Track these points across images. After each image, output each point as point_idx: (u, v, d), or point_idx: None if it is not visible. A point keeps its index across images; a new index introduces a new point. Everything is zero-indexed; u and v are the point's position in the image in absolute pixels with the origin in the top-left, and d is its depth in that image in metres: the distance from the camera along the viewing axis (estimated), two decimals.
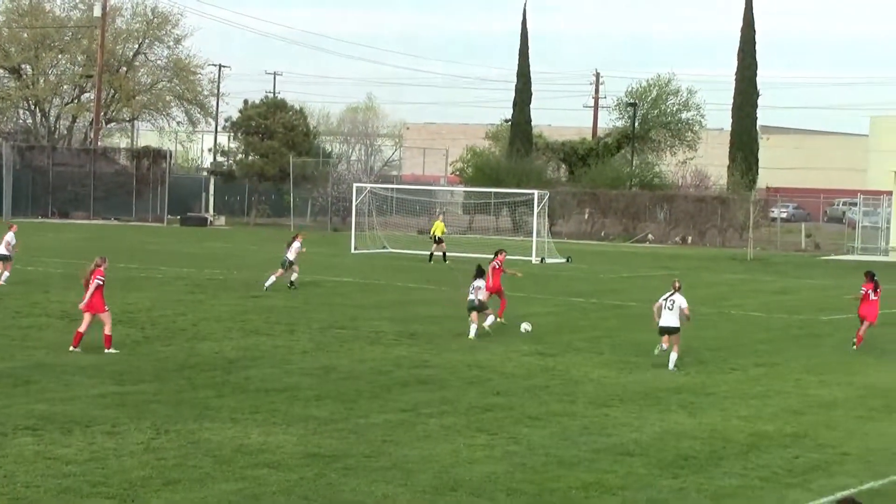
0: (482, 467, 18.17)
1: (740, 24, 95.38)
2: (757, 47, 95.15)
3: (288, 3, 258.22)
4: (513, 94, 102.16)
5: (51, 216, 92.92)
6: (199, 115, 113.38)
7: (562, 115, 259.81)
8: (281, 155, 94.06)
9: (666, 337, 28.12)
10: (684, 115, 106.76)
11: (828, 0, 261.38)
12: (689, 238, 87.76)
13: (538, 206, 66.50)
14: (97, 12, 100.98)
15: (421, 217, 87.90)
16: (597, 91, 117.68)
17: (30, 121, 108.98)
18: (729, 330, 35.95)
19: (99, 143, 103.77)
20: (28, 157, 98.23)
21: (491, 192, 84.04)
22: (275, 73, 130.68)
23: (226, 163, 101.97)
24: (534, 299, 39.51)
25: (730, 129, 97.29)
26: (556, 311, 38.19)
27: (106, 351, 27.02)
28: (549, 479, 17.65)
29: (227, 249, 64.37)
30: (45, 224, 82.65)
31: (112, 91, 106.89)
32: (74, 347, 27.22)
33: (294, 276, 42.34)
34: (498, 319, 33.13)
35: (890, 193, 78.05)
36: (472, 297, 31.82)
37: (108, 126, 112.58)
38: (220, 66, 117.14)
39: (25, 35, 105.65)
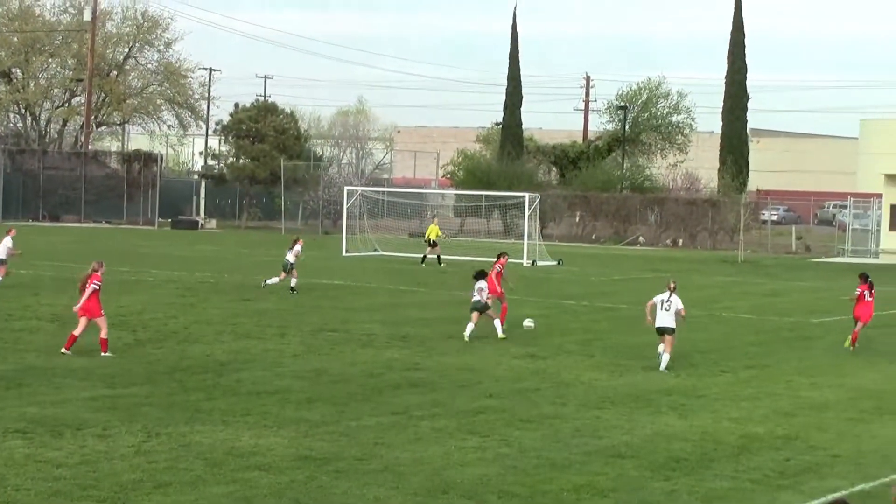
0: (474, 470, 18.17)
1: (730, 27, 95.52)
2: (747, 51, 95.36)
3: (278, 7, 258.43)
4: (503, 97, 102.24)
5: (41, 219, 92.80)
6: (189, 119, 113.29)
7: (552, 119, 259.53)
8: (272, 158, 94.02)
9: (662, 337, 28.17)
10: (675, 119, 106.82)
11: (818, 3, 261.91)
12: (680, 241, 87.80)
13: (529, 208, 66.52)
14: (87, 16, 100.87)
15: (412, 220, 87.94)
16: (587, 94, 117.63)
17: (20, 124, 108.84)
18: (720, 332, 35.98)
19: (89, 147, 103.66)
20: (19, 161, 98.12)
21: (482, 195, 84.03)
22: (265, 77, 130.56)
23: (217, 166, 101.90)
24: (525, 302, 39.49)
25: (720, 132, 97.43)
26: (547, 313, 38.19)
27: (102, 354, 26.98)
28: (540, 482, 17.65)
29: (218, 253, 64.32)
30: (35, 227, 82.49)
31: (102, 95, 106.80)
32: (66, 350, 27.18)
33: (293, 282, 42.40)
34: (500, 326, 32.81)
35: (880, 196, 78.18)
36: (477, 297, 31.86)
37: (99, 130, 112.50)
38: (211, 69, 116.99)
39: (15, 39, 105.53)
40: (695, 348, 31.29)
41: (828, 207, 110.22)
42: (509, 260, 36.12)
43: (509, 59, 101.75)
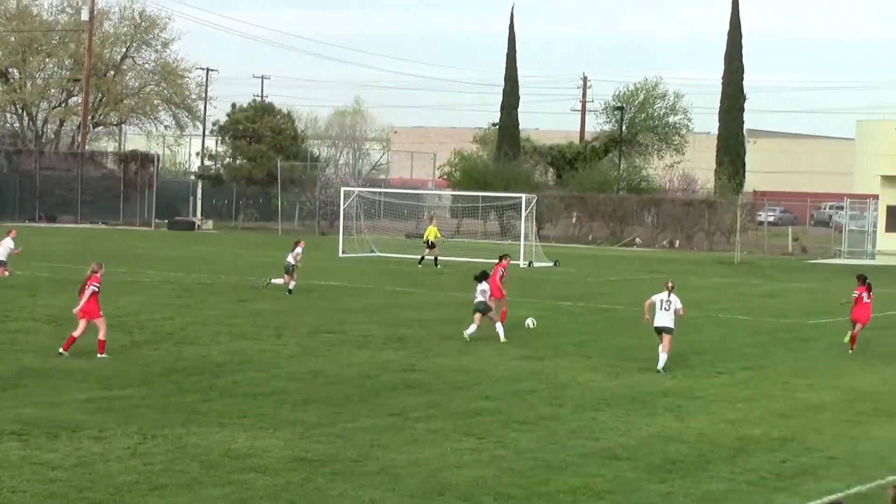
0: (470, 471, 18.17)
1: (727, 28, 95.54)
2: (744, 51, 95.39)
3: (276, 7, 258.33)
4: (500, 97, 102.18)
5: (38, 220, 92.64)
6: (186, 119, 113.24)
7: (549, 119, 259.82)
8: (269, 159, 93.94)
9: (661, 336, 28.25)
10: (671, 119, 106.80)
11: (814, 4, 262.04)
12: (677, 242, 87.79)
13: (526, 209, 66.52)
14: (85, 16, 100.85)
15: (409, 221, 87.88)
16: (584, 95, 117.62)
17: (17, 125, 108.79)
18: (716, 333, 35.99)
19: (86, 147, 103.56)
20: (15, 161, 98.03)
21: (479, 196, 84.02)
22: (262, 77, 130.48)
23: (213, 167, 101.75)
24: (521, 303, 39.46)
25: (717, 132, 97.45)
26: (544, 314, 38.16)
27: (98, 356, 26.97)
28: (536, 484, 17.65)
29: (215, 253, 64.28)
30: (32, 228, 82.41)
31: (100, 95, 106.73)
32: (64, 351, 27.18)
33: (292, 284, 42.41)
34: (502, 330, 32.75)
35: (876, 197, 78.13)
36: (480, 299, 31.90)
37: (96, 130, 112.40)
38: (208, 69, 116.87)
39: (13, 39, 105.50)
40: (691, 350, 31.29)
41: (824, 208, 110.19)
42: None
43: (506, 59, 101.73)
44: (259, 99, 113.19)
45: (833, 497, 17.19)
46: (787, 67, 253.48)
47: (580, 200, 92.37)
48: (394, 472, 17.91)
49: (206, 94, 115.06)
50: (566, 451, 19.64)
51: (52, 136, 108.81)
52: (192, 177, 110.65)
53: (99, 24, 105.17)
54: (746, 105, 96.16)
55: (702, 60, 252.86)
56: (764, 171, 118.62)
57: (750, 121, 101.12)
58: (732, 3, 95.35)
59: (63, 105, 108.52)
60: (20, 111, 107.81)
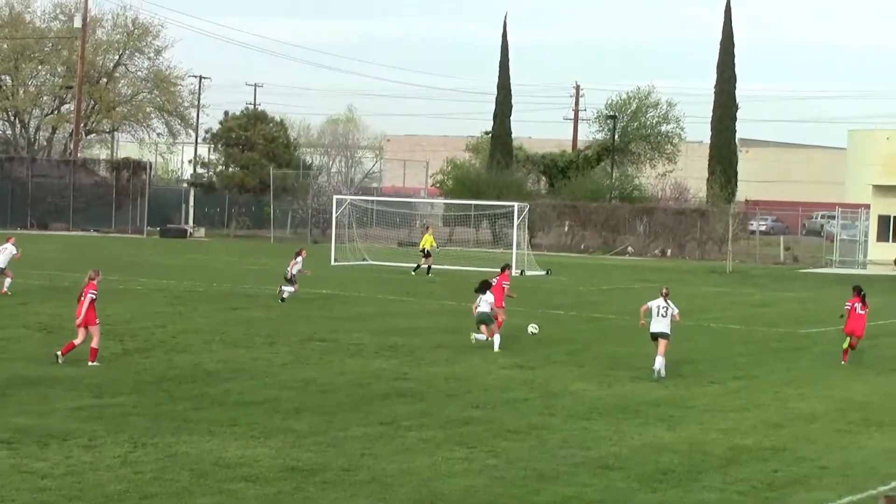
0: (461, 481, 18.12)
1: (720, 37, 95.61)
2: (736, 60, 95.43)
3: (269, 15, 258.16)
4: (493, 105, 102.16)
5: (30, 227, 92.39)
6: (179, 127, 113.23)
7: (542, 128, 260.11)
8: (261, 166, 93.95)
9: (657, 342, 28.28)
10: (664, 128, 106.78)
11: (807, 14, 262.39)
12: (669, 251, 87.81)
13: (518, 218, 66.46)
14: (77, 23, 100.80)
15: (401, 229, 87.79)
16: (577, 103, 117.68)
17: (9, 132, 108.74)
18: (708, 343, 35.97)
19: (79, 155, 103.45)
20: (7, 169, 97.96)
21: (471, 205, 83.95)
22: (255, 85, 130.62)
23: (206, 174, 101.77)
24: (513, 312, 39.38)
25: (709, 141, 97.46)
26: (536, 323, 38.08)
27: (89, 364, 26.91)
28: (528, 493, 17.62)
29: (207, 261, 64.21)
30: (24, 236, 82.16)
31: (92, 102, 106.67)
32: (62, 356, 27.11)
33: (286, 294, 42.36)
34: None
35: (868, 207, 78.22)
36: (485, 310, 31.95)
37: (88, 137, 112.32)
38: (201, 77, 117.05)
39: (5, 46, 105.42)
40: (683, 359, 31.25)
41: (816, 218, 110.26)
42: (489, 269, 36.16)
43: (499, 67, 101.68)
44: (252, 107, 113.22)
45: None
46: (780, 77, 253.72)
47: (572, 209, 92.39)
48: (385, 482, 17.86)
49: (198, 102, 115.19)
50: (557, 461, 19.59)
51: (45, 143, 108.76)
52: (185, 184, 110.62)
53: (92, 32, 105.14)
54: (739, 114, 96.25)
55: (694, 69, 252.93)
56: (756, 180, 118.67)
57: (742, 130, 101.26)
58: (725, 12, 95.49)
59: (55, 112, 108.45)
60: (12, 118, 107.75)
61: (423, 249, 60.19)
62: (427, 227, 68.11)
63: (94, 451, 18.96)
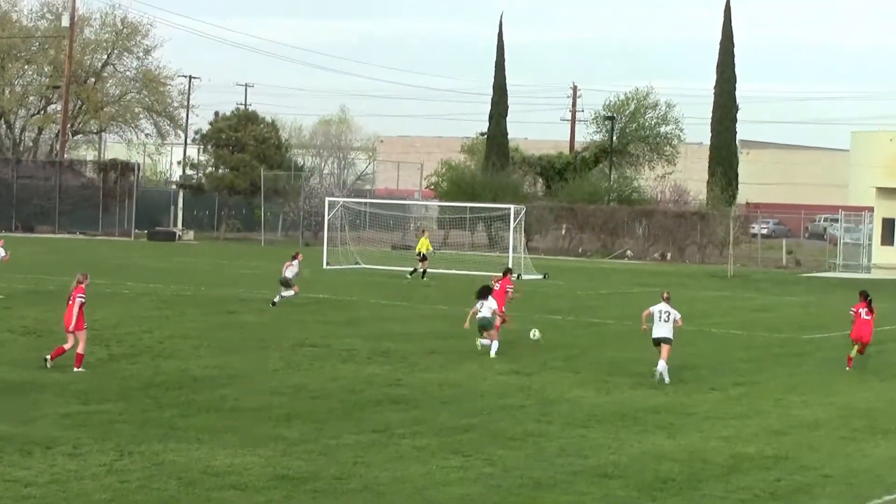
0: (456, 489, 17.84)
1: (719, 37, 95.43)
2: (736, 61, 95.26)
3: (259, 14, 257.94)
4: (489, 106, 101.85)
5: (14, 230, 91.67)
6: (168, 128, 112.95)
7: (538, 129, 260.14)
8: (252, 168, 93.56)
9: (659, 347, 28.09)
10: (663, 129, 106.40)
11: (808, 14, 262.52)
12: (668, 254, 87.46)
13: (514, 221, 66.14)
14: (65, 22, 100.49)
15: (395, 232, 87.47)
16: (574, 104, 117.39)
17: None
18: (709, 348, 35.67)
19: (65, 156, 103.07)
20: None
21: (466, 207, 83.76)
22: (246, 85, 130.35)
23: (195, 176, 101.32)
24: (510, 317, 39.04)
25: (709, 143, 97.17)
26: (533, 328, 37.70)
27: (75, 370, 26.56)
28: (525, 502, 17.39)
29: (196, 265, 63.92)
30: (8, 238, 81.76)
31: (79, 102, 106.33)
32: (51, 360, 26.76)
33: (278, 297, 42.02)
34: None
35: (871, 209, 77.75)
36: (487, 315, 31.69)
37: (75, 138, 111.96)
38: (191, 77, 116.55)
39: None
40: (684, 365, 30.86)
41: (819, 221, 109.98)
42: (486, 273, 35.86)
43: (495, 68, 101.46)
44: (242, 107, 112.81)
45: None
46: (781, 77, 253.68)
47: (570, 212, 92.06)
48: (378, 490, 17.57)
49: (188, 102, 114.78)
50: (555, 469, 19.29)
51: (31, 144, 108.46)
52: (174, 186, 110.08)
53: (79, 31, 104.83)
54: (739, 115, 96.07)
55: (694, 70, 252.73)
56: (757, 182, 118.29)
57: (743, 131, 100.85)
58: (725, 12, 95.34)
59: (42, 112, 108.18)
60: None
61: (420, 253, 59.89)
62: (423, 231, 67.78)
63: (79, 459, 18.65)
